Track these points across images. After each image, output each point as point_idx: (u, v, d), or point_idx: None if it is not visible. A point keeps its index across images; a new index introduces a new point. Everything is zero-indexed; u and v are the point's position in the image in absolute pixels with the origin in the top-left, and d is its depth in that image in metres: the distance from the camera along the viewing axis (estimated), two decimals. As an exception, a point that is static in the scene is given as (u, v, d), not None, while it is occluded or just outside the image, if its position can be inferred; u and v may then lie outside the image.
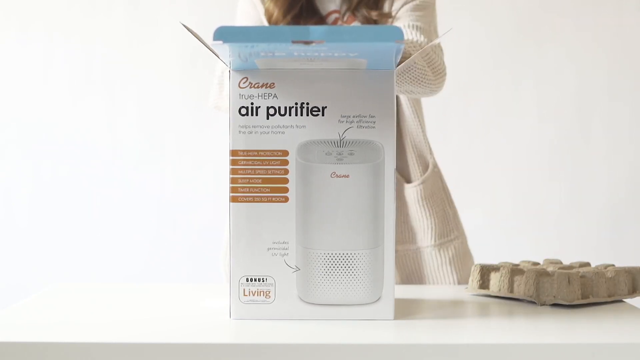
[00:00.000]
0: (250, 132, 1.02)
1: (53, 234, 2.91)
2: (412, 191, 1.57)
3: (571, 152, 2.85)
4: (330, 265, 1.01)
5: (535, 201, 2.87)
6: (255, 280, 1.02)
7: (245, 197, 1.02)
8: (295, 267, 1.02)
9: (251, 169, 1.02)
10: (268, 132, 1.02)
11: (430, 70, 1.43)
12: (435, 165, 1.61)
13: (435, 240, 1.57)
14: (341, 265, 1.01)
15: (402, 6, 1.56)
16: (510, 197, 2.86)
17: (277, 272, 1.01)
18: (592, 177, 2.85)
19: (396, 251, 1.57)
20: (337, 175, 1.01)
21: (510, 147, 2.85)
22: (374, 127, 1.01)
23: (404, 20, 1.53)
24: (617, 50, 2.86)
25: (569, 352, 0.86)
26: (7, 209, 2.92)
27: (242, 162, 1.02)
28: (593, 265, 1.28)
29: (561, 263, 1.27)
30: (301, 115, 1.02)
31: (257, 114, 1.02)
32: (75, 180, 2.91)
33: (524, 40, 2.85)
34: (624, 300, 1.20)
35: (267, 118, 1.02)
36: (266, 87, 1.02)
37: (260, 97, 1.02)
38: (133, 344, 0.86)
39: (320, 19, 1.59)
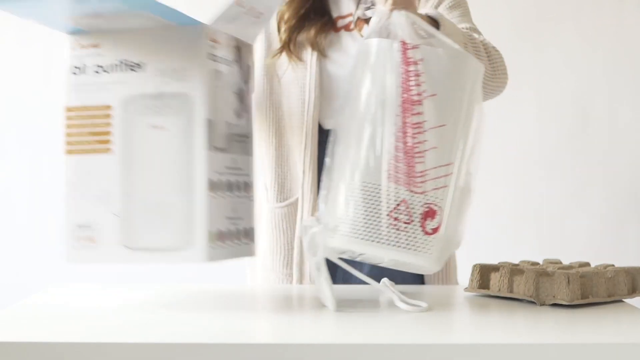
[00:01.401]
0: (81, 90, 1.12)
1: (53, 234, 2.91)
2: None
3: (571, 152, 2.85)
4: (147, 211, 1.08)
5: (535, 201, 2.87)
6: (84, 226, 1.11)
7: (77, 149, 1.12)
8: (117, 214, 1.09)
9: (81, 124, 1.12)
10: (96, 90, 1.12)
11: (490, 68, 1.42)
12: None
13: None
14: (157, 211, 1.08)
15: (435, 9, 1.52)
16: (510, 197, 2.86)
17: (102, 219, 1.10)
18: (592, 177, 2.85)
19: None
20: (154, 126, 1.09)
21: (510, 147, 2.85)
22: (187, 80, 1.08)
23: None
24: (617, 51, 2.86)
25: (569, 352, 0.86)
26: (7, 209, 2.92)
27: (74, 118, 1.13)
28: (593, 265, 1.28)
29: (561, 263, 1.27)
30: (123, 71, 1.11)
31: (86, 73, 1.13)
32: (75, 180, 2.91)
33: (523, 39, 2.84)
34: (624, 300, 1.20)
35: (95, 76, 1.12)
36: (93, 47, 1.13)
37: (89, 57, 1.13)
38: (133, 344, 0.86)
39: (330, 20, 1.57)
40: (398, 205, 1.06)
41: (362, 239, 1.07)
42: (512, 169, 2.87)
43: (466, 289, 1.26)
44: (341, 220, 1.08)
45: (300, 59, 1.52)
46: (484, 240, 2.79)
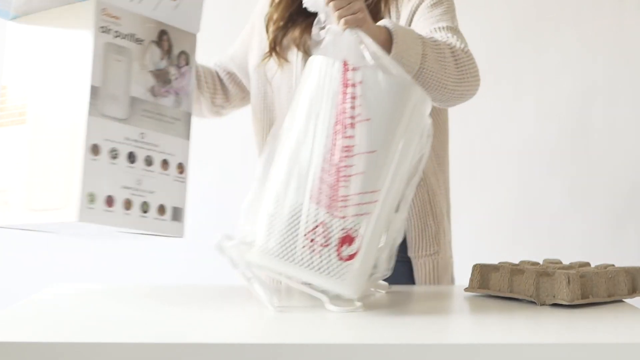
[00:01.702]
0: (12, 69, 1.25)
1: (53, 234, 2.91)
2: None
3: (571, 152, 2.85)
4: (44, 175, 1.18)
5: (536, 201, 2.87)
6: (2, 191, 1.23)
7: (4, 122, 1.24)
8: (27, 179, 1.20)
9: (9, 99, 1.24)
10: (22, 68, 1.23)
11: (456, 71, 1.38)
12: (421, 179, 1.56)
13: (412, 252, 1.55)
14: (50, 173, 1.17)
15: (416, 9, 1.51)
16: (510, 197, 2.86)
17: (14, 184, 1.21)
18: (592, 177, 2.85)
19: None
20: (56, 96, 1.19)
21: (510, 147, 2.85)
22: (79, 51, 1.18)
23: (424, 23, 1.48)
24: (616, 52, 2.86)
25: (569, 352, 0.86)
26: (7, 209, 2.92)
27: (5, 95, 1.25)
28: (593, 265, 1.28)
29: (561, 263, 1.27)
30: (40, 49, 1.23)
31: (18, 52, 1.26)
32: (75, 180, 2.90)
33: (523, 39, 2.85)
34: (624, 300, 1.20)
35: (22, 55, 1.24)
36: (24, 30, 1.25)
37: (20, 39, 1.25)
38: (133, 344, 0.85)
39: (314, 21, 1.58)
40: (316, 227, 1.05)
41: (276, 256, 1.05)
42: (512, 169, 2.87)
43: (466, 289, 1.26)
44: (259, 236, 1.07)
45: (287, 60, 1.53)
46: (484, 240, 2.80)
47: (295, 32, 1.54)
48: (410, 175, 1.12)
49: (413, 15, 1.51)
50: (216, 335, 0.94)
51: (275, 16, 1.55)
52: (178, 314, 1.05)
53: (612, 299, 1.17)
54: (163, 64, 1.26)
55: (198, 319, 1.02)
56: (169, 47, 1.27)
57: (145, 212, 1.22)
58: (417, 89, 1.13)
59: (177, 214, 1.28)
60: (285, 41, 1.55)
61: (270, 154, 1.12)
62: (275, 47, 1.54)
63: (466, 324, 1.05)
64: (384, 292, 1.26)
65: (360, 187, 1.05)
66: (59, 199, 1.17)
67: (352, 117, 1.06)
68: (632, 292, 1.21)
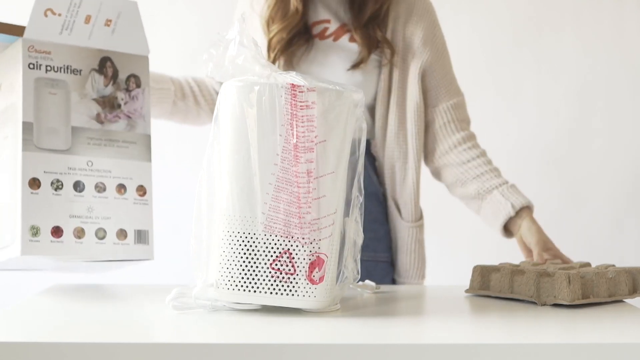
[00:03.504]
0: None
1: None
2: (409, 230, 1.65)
3: (571, 153, 2.85)
4: (2, 214, 1.19)
5: (535, 201, 2.87)
6: None
7: None
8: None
9: None
10: None
11: None
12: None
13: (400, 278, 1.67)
14: (5, 213, 1.18)
15: (427, 64, 1.63)
16: (510, 197, 2.86)
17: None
18: (592, 177, 2.85)
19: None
20: (5, 137, 1.21)
21: (510, 147, 2.85)
22: (14, 91, 1.19)
23: (438, 97, 1.69)
24: (617, 52, 2.86)
25: (569, 352, 0.86)
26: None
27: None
28: (593, 265, 1.28)
29: (561, 263, 1.27)
30: None
31: None
32: (75, 181, 2.90)
33: (524, 40, 2.85)
34: (625, 300, 1.20)
35: None
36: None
37: None
38: (133, 344, 0.85)
39: (305, 30, 1.59)
40: (279, 255, 1.03)
41: (244, 291, 1.04)
42: (512, 169, 2.87)
43: (467, 290, 1.26)
44: (220, 274, 1.05)
45: None
46: (484, 240, 2.79)
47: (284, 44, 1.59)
48: (350, 179, 1.10)
49: (423, 67, 1.65)
50: (216, 335, 0.94)
51: (277, 38, 1.57)
52: (178, 314, 1.05)
53: (612, 299, 1.17)
54: (108, 90, 1.25)
55: (196, 319, 1.02)
56: (114, 72, 1.26)
57: (101, 238, 1.21)
58: (353, 95, 1.07)
59: (142, 237, 1.27)
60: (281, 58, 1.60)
61: (205, 189, 1.08)
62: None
63: (466, 324, 1.04)
64: (370, 292, 1.26)
65: (325, 210, 1.03)
66: (10, 235, 1.17)
67: (311, 141, 1.02)
68: (633, 292, 1.21)
